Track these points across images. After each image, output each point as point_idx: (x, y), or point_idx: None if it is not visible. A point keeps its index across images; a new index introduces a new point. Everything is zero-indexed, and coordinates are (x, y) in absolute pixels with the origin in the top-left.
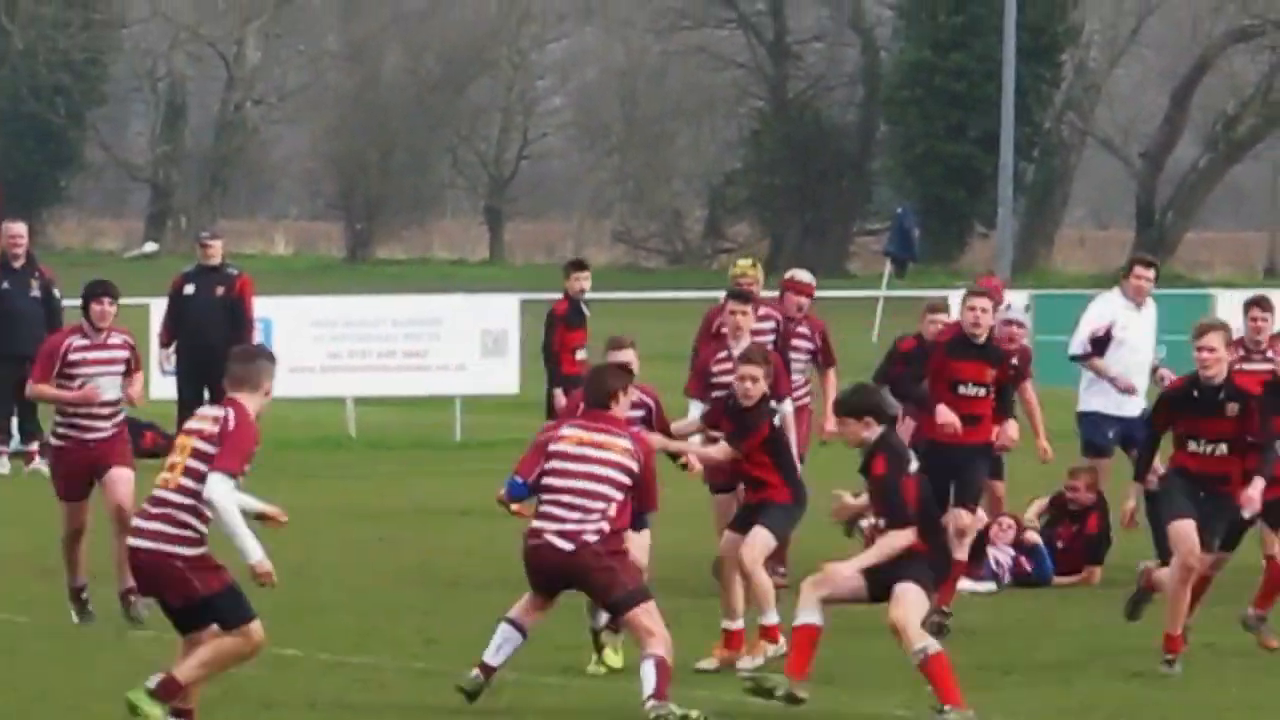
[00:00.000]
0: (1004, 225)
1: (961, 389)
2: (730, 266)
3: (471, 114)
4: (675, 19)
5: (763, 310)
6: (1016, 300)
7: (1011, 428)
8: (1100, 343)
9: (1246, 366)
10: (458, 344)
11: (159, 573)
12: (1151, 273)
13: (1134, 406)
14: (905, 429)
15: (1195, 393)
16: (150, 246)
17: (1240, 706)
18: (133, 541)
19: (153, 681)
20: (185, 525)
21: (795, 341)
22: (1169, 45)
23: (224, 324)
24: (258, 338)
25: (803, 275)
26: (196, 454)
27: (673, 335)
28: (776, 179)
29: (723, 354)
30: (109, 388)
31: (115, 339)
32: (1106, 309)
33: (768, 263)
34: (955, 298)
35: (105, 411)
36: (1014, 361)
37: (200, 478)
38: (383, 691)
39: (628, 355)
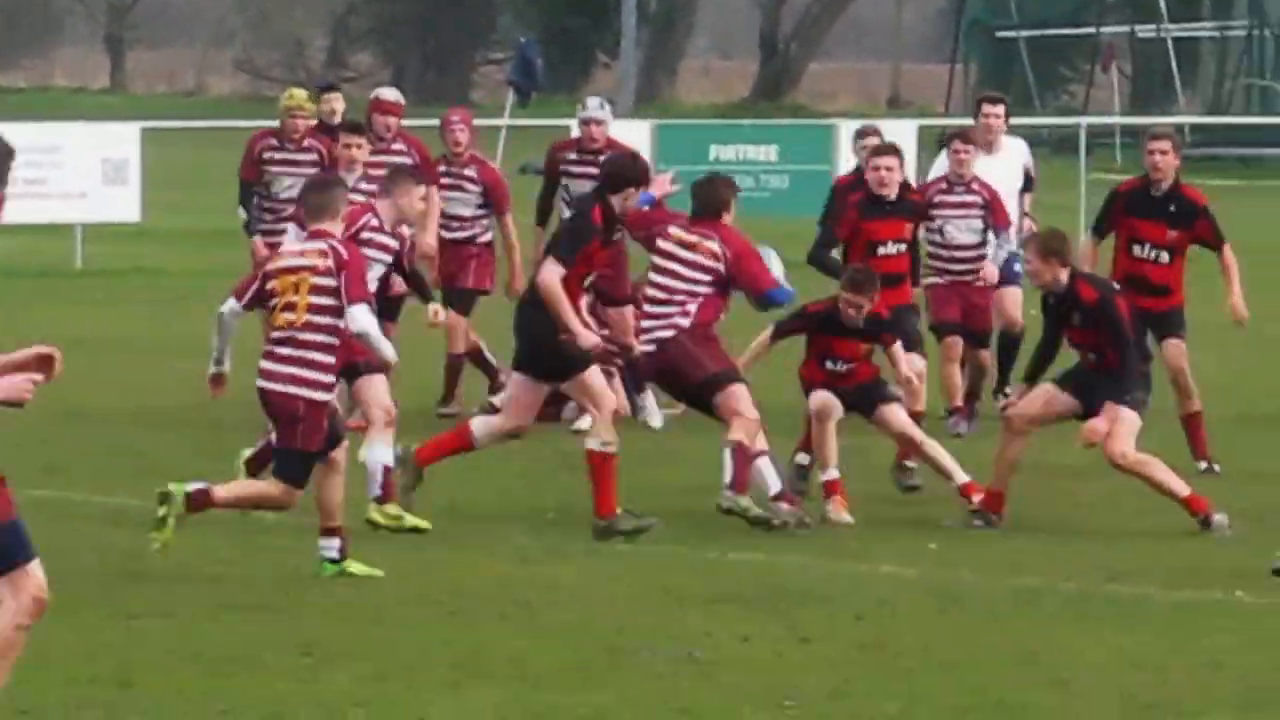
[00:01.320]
0: (627, 55)
1: (881, 250)
2: (284, 99)
3: None
4: None
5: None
6: (592, 101)
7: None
8: None
9: (950, 198)
10: (78, 172)
11: (282, 413)
12: (1000, 109)
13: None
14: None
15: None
16: None
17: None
18: (264, 384)
19: (191, 486)
20: (321, 369)
21: (396, 160)
22: None
23: None
24: None
25: (389, 94)
26: (316, 289)
27: None
28: (398, 7)
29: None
30: None
31: None
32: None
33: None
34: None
35: None
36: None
37: (326, 312)
38: None
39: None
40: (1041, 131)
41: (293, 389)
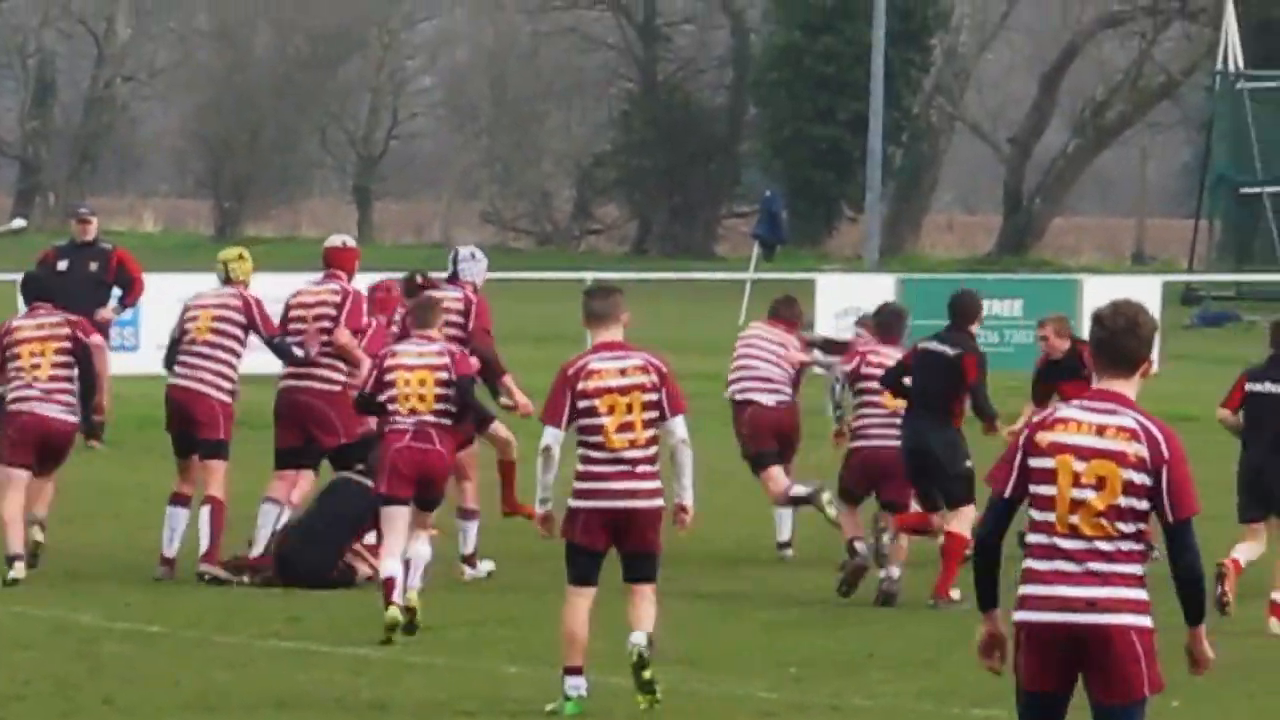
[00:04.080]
0: (872, 209)
1: None
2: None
3: (341, 93)
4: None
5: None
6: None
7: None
8: None
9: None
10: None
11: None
12: None
13: None
14: None
15: None
16: (18, 223)
17: None
18: (626, 503)
19: None
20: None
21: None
22: (1038, 30)
23: (95, 301)
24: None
25: (339, 240)
26: (647, 406)
27: (541, 316)
28: (645, 161)
29: None
30: None
31: None
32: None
33: (636, 244)
34: (822, 280)
35: None
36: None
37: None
38: (246, 669)
39: None
40: None
41: (658, 501)
